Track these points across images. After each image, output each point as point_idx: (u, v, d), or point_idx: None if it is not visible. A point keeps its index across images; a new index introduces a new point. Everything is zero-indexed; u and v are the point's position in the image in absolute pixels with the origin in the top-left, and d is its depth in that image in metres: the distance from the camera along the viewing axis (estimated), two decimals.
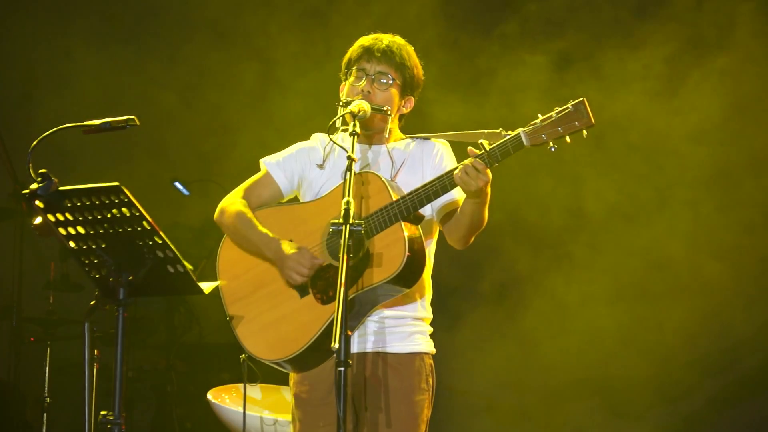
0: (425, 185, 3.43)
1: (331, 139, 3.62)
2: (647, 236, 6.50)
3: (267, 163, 3.78)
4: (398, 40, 3.75)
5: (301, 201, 3.77)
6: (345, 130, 3.51)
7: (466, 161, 3.35)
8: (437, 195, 3.42)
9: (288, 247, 3.56)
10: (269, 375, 5.16)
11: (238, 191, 3.77)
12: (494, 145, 3.34)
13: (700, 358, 6.40)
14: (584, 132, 3.32)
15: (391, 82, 3.67)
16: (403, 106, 3.74)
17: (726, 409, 6.36)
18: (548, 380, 6.63)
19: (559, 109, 3.33)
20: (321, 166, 3.72)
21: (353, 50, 3.73)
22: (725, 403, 6.37)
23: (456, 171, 3.36)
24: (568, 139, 3.33)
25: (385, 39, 3.72)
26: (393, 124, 3.71)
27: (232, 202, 3.74)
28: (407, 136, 3.77)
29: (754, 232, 6.34)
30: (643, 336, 6.49)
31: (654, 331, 6.48)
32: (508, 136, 3.35)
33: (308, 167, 3.74)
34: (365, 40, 3.73)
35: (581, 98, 3.32)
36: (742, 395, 6.34)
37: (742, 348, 6.36)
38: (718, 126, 6.25)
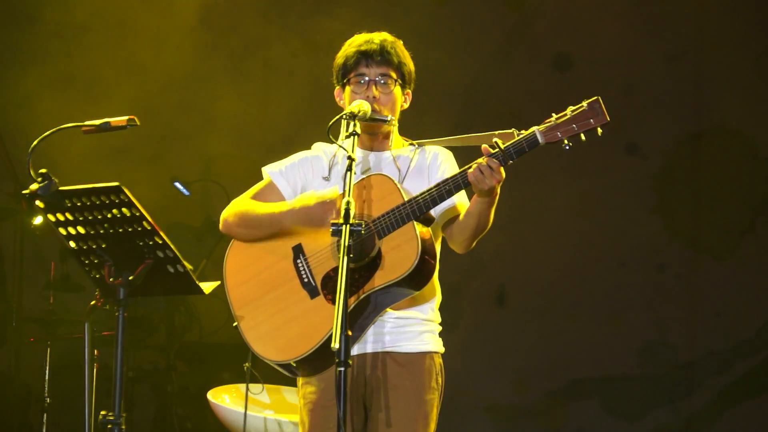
0: (438, 185, 3.41)
1: (333, 140, 3.57)
2: (645, 238, 6.51)
3: (270, 172, 3.70)
4: (388, 36, 3.69)
5: None
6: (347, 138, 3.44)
7: (480, 159, 3.34)
8: (450, 194, 3.40)
9: (303, 201, 3.51)
10: (271, 376, 5.16)
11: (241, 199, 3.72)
12: (509, 143, 3.34)
13: (700, 358, 6.40)
14: (599, 130, 3.32)
15: (393, 82, 3.64)
16: (404, 102, 3.71)
17: (726, 409, 6.36)
18: (548, 380, 6.62)
19: (574, 107, 3.34)
20: (327, 179, 3.66)
21: (348, 56, 3.65)
22: (725, 403, 6.36)
23: (470, 169, 3.35)
24: (583, 137, 3.32)
25: (377, 38, 3.66)
26: (394, 126, 3.68)
27: (234, 204, 3.69)
28: (412, 141, 3.72)
29: (754, 231, 6.35)
30: (643, 336, 6.49)
31: (654, 331, 6.48)
32: (523, 135, 3.35)
33: (311, 178, 3.67)
34: (358, 44, 3.66)
35: (596, 97, 3.32)
36: (743, 395, 6.34)
37: (742, 348, 6.36)
38: None
